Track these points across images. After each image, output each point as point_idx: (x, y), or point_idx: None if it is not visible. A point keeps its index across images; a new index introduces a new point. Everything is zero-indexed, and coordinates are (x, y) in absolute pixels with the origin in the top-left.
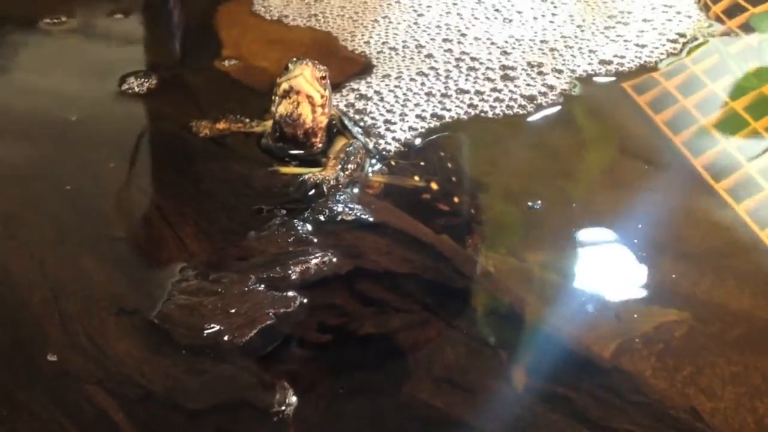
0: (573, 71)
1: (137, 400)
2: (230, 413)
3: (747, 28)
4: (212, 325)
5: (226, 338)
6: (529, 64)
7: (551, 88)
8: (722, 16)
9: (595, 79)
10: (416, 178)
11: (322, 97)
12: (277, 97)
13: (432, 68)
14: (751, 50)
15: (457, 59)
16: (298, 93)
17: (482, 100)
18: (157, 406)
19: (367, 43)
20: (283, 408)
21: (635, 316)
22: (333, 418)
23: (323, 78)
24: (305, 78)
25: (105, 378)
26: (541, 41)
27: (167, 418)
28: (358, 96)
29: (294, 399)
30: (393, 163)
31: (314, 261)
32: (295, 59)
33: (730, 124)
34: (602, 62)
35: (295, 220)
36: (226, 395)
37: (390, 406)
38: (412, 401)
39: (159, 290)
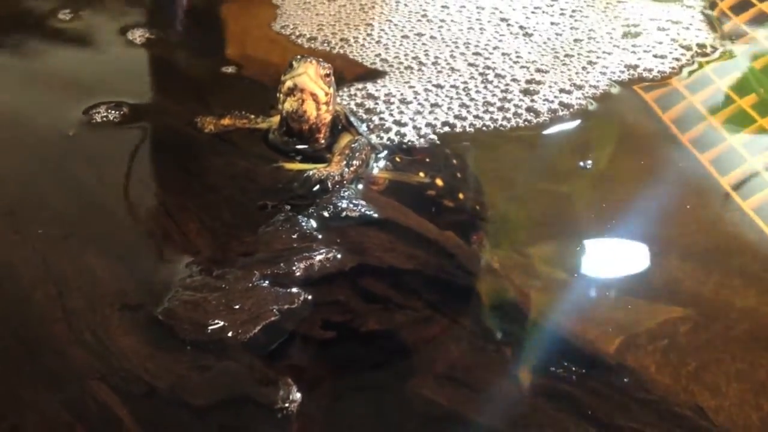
0: (586, 80)
1: (141, 395)
2: (234, 409)
3: (754, 23)
4: (216, 321)
5: (230, 334)
6: (538, 71)
7: (565, 95)
8: (729, 12)
9: (606, 84)
10: (421, 174)
11: (327, 94)
12: (281, 95)
13: (452, 78)
14: (758, 46)
15: (481, 73)
16: (302, 91)
17: (496, 109)
18: (161, 401)
19: (396, 57)
20: (287, 404)
21: (640, 312)
22: (336, 415)
23: (327, 75)
24: (309, 76)
25: (109, 374)
26: (566, 55)
27: (171, 413)
28: (367, 95)
29: (298, 395)
30: (398, 159)
31: (318, 257)
32: (299, 56)
33: (737, 121)
34: (614, 71)
35: (300, 216)
36: (230, 391)
37: (393, 403)
38: (415, 398)
39: (163, 286)
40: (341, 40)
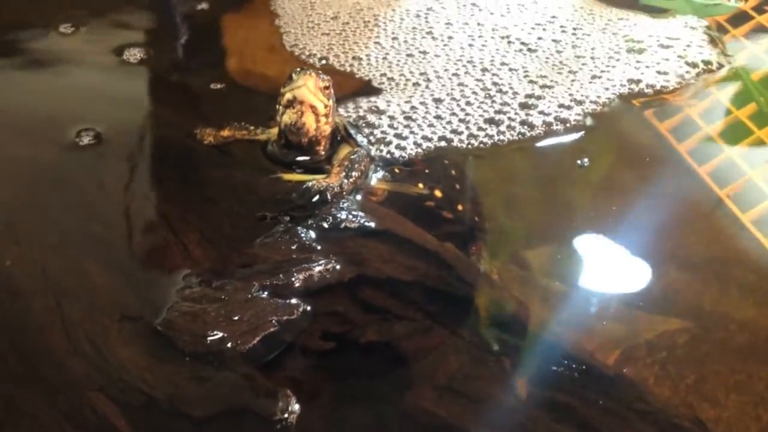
0: (587, 95)
1: (140, 407)
2: (233, 421)
3: (753, 36)
4: (215, 333)
5: (229, 345)
6: (541, 86)
7: (565, 109)
8: (727, 25)
9: (607, 99)
10: (420, 185)
11: (326, 107)
12: (280, 107)
13: (454, 93)
14: (756, 60)
15: (483, 88)
16: (301, 103)
17: (497, 122)
18: (159, 413)
19: (401, 73)
20: (286, 415)
21: (638, 324)
22: (336, 426)
23: (327, 88)
24: (308, 88)
25: (107, 385)
26: (569, 71)
27: (170, 425)
28: (369, 109)
29: (297, 406)
30: (397, 170)
31: (317, 268)
32: (298, 69)
33: (736, 134)
34: (615, 85)
35: (299, 228)
36: (229, 402)
37: (392, 414)
38: (414, 409)
39: (162, 297)
40: (351, 57)
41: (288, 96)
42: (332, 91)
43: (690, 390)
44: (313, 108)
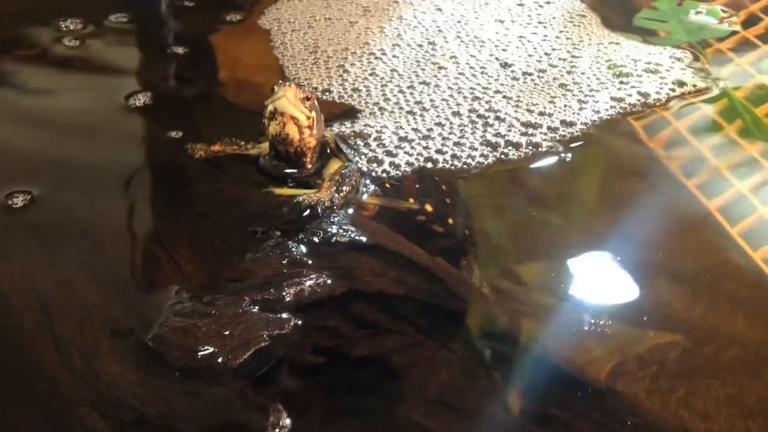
0: (577, 117)
1: (131, 422)
2: None
3: (739, 51)
4: (206, 348)
5: (220, 360)
6: (537, 112)
7: (555, 130)
8: (715, 42)
9: (595, 119)
10: (411, 200)
11: (308, 118)
12: (266, 120)
13: (443, 117)
14: (743, 74)
15: (471, 109)
16: (282, 114)
17: (489, 144)
18: (150, 428)
19: (397, 102)
20: (277, 430)
21: (629, 337)
22: None
23: (307, 99)
24: (288, 99)
25: (98, 400)
26: (563, 94)
27: None
28: (361, 131)
29: (288, 421)
30: (387, 185)
31: (308, 283)
32: (280, 81)
33: (723, 147)
34: (604, 106)
35: (290, 242)
36: (220, 418)
37: (384, 429)
38: (406, 423)
39: (153, 312)
40: (351, 89)
41: (270, 108)
42: (315, 102)
43: (681, 404)
44: (294, 119)
